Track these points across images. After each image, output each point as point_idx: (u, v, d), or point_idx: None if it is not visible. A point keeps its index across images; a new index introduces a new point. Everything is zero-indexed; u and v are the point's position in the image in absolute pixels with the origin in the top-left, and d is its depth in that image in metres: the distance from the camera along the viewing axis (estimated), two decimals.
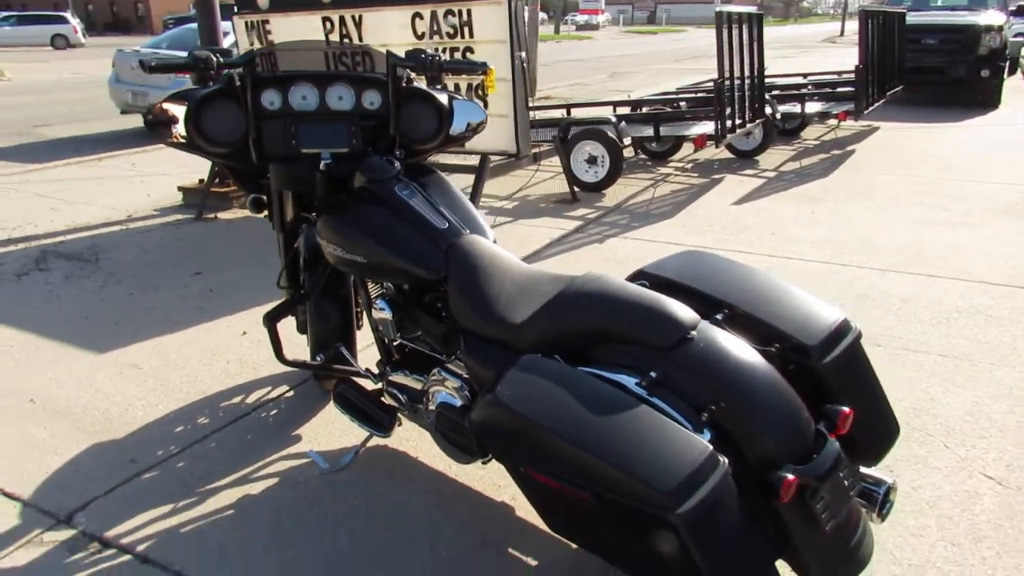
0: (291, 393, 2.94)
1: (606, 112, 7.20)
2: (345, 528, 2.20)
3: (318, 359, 2.56)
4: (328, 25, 5.34)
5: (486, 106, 4.62)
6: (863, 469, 1.86)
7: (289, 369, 2.75)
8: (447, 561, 2.07)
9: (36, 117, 11.12)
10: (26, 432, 2.73)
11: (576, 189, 5.92)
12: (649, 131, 6.47)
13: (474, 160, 4.99)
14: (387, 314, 2.31)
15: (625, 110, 7.51)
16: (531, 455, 1.62)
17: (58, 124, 10.57)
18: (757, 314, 1.81)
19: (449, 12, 4.83)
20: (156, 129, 9.19)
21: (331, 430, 2.68)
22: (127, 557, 2.10)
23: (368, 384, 2.50)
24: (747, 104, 6.40)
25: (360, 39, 5.24)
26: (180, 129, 2.20)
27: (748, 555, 1.50)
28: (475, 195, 4.85)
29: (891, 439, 1.85)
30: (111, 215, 5.69)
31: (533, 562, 2.06)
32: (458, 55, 4.91)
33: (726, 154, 7.34)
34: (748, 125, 6.41)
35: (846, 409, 1.67)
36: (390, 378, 2.40)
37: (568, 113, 6.90)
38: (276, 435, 2.67)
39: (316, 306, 2.68)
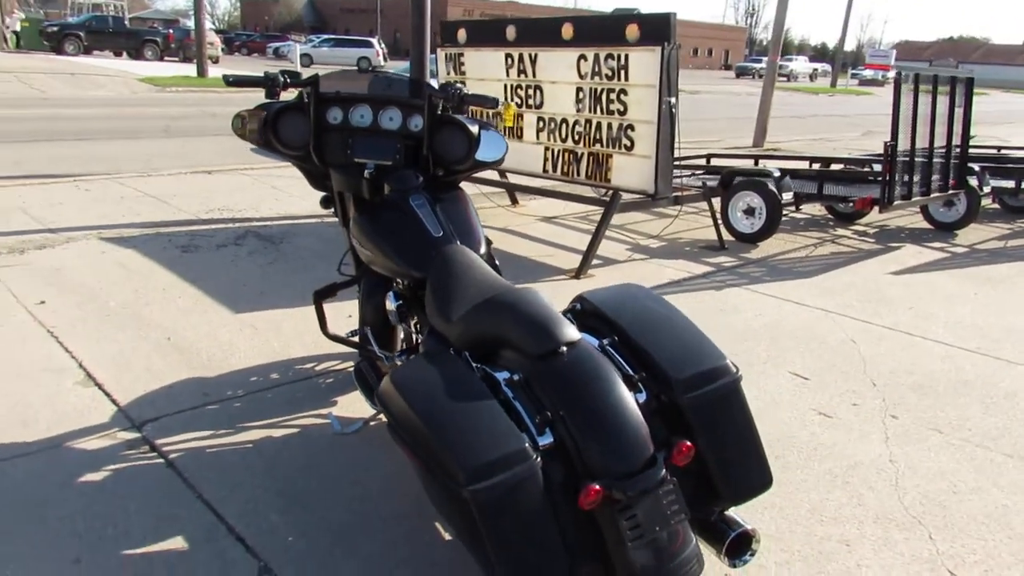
0: (350, 368, 3.41)
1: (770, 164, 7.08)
2: (335, 475, 2.60)
3: (345, 335, 3.00)
4: (509, 60, 5.88)
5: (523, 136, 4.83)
6: (730, 511, 1.92)
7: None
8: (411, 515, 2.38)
9: None
10: (151, 359, 3.45)
11: (727, 238, 5.91)
12: (813, 188, 6.27)
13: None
14: (392, 305, 2.68)
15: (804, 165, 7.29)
16: (396, 423, 1.90)
17: None
18: (642, 344, 1.94)
19: (609, 56, 5.15)
20: None
21: (361, 403, 3.10)
22: (161, 461, 2.66)
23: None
24: (939, 172, 5.98)
25: (534, 75, 5.71)
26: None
27: (537, 547, 1.66)
28: (600, 228, 5.09)
29: (754, 487, 1.89)
30: (317, 209, 6.63)
31: None
32: (613, 95, 5.20)
33: (923, 223, 6.86)
34: (935, 195, 5.98)
35: (686, 443, 1.77)
36: (396, 362, 2.77)
37: (708, 162, 6.89)
38: (319, 398, 3.15)
39: (363, 291, 3.12)
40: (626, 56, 5.09)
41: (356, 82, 2.79)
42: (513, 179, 6.52)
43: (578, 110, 5.50)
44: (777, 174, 5.94)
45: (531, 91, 5.83)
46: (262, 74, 2.68)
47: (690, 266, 5.32)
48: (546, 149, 5.82)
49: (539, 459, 1.70)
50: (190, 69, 21.52)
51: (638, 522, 1.71)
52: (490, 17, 6.37)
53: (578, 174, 5.61)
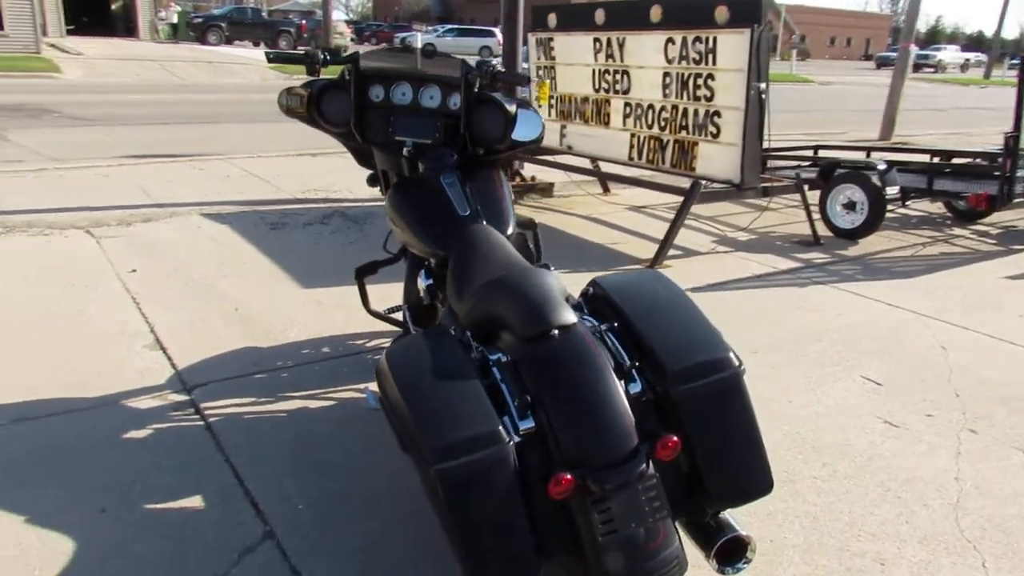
0: None
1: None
2: (359, 449, 2.63)
3: (384, 311, 3.01)
4: (597, 45, 5.77)
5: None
6: (727, 515, 1.79)
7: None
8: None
9: None
10: (216, 328, 3.60)
11: (825, 234, 5.58)
12: (923, 183, 5.81)
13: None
14: (423, 283, 2.67)
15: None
16: (385, 398, 1.88)
17: None
18: (643, 332, 1.84)
19: (697, 39, 4.96)
20: None
21: None
22: (200, 424, 2.77)
23: None
24: None
25: (621, 59, 5.58)
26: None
27: (502, 533, 1.60)
28: (678, 218, 4.91)
29: (749, 490, 1.76)
30: None
31: None
32: (700, 80, 5.01)
33: None
34: None
35: (672, 437, 1.67)
36: None
37: (816, 153, 6.47)
38: (362, 373, 3.19)
39: (406, 270, 3.13)
40: (714, 39, 4.88)
41: (397, 60, 2.78)
42: (605, 167, 6.41)
43: (664, 95, 5.32)
44: (882, 166, 5.54)
45: (618, 76, 5.69)
46: (303, 51, 2.71)
47: (777, 261, 5.05)
48: (632, 136, 5.67)
49: (512, 443, 1.64)
50: None
51: (611, 516, 1.62)
52: (582, 0, 6.24)
53: (663, 162, 5.44)
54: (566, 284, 1.99)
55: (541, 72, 6.48)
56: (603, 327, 1.89)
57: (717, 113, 4.98)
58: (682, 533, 1.80)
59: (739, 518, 1.81)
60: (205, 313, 3.78)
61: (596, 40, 5.77)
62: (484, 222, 2.48)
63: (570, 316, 1.84)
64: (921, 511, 2.41)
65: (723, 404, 1.74)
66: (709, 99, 5.02)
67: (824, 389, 3.21)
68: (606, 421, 1.68)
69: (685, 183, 5.14)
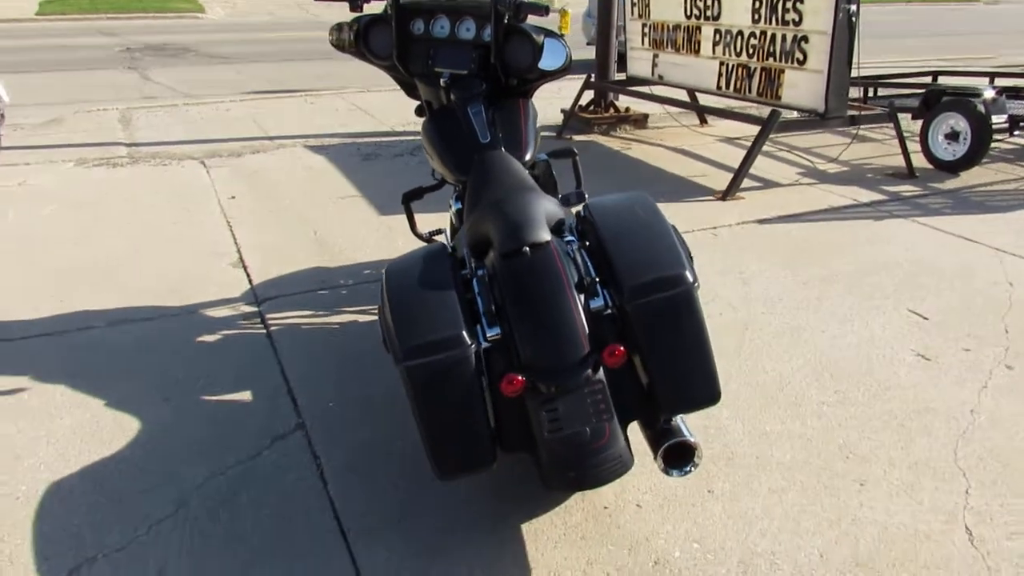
0: None
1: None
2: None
3: (427, 234, 3.22)
4: (688, 1, 5.63)
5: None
6: (679, 422, 1.92)
7: None
8: None
9: None
10: (295, 249, 3.96)
11: (925, 166, 5.31)
12: None
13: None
14: (454, 208, 2.86)
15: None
16: (380, 302, 2.09)
17: None
18: (610, 250, 1.96)
19: None
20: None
21: None
22: (263, 332, 3.12)
23: None
24: None
25: None
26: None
27: (461, 427, 1.81)
28: (753, 149, 4.83)
29: (694, 399, 1.87)
30: None
31: None
32: (789, 4, 4.86)
33: None
34: None
35: (619, 347, 1.80)
36: None
37: (934, 80, 6.02)
38: None
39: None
40: None
41: None
42: (699, 98, 6.30)
43: (753, 21, 5.18)
44: (990, 93, 5.17)
45: (709, 2, 5.55)
46: None
47: (860, 193, 4.88)
48: (721, 64, 5.56)
49: (475, 346, 1.82)
50: None
51: (558, 415, 1.79)
52: None
53: (750, 91, 5.32)
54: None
55: (636, 0, 6.40)
56: (574, 245, 2.02)
57: (804, 38, 4.81)
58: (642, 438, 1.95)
59: (693, 426, 1.93)
60: (287, 236, 4.15)
61: None
62: (502, 148, 2.63)
63: (543, 235, 1.99)
64: (921, 439, 2.42)
65: (673, 318, 1.84)
66: (797, 23, 4.85)
67: (863, 321, 3.19)
68: (557, 330, 1.83)
69: (768, 112, 5.02)
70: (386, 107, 7.55)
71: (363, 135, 6.47)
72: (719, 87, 5.61)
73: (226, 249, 3.97)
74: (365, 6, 2.93)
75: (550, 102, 7.14)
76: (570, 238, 2.10)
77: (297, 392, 2.69)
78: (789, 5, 4.86)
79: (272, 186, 5.04)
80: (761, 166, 5.41)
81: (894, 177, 5.25)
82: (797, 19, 4.83)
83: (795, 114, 5.12)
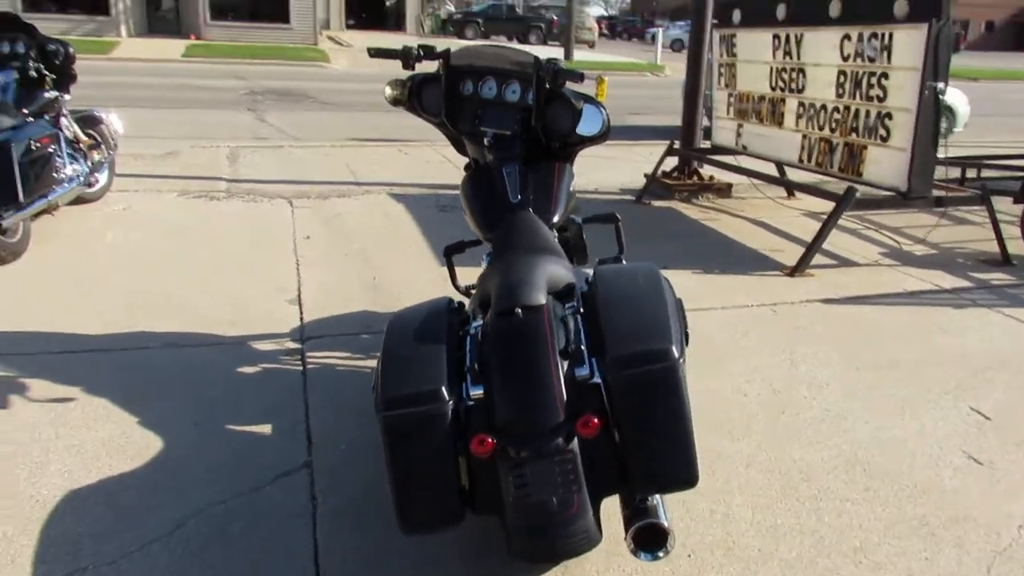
0: None
1: None
2: None
3: (464, 288, 3.25)
4: (776, 42, 5.61)
5: None
6: (657, 503, 1.85)
7: None
8: None
9: (636, 107, 13.27)
10: (351, 292, 4.08)
11: (1018, 253, 4.99)
12: None
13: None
14: (484, 264, 2.89)
15: None
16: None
17: (650, 114, 12.46)
18: (603, 319, 1.94)
19: (873, 35, 4.71)
20: None
21: None
22: (299, 369, 3.22)
23: None
24: None
25: (798, 56, 5.40)
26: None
27: (431, 483, 1.81)
28: (826, 225, 4.68)
29: (670, 480, 1.81)
30: (588, 186, 6.97)
31: None
32: (874, 80, 4.75)
33: None
34: None
35: (593, 418, 1.77)
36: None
37: None
38: None
39: None
40: (890, 35, 4.57)
41: (485, 56, 2.99)
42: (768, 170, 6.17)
43: (838, 95, 5.06)
44: None
45: (794, 74, 5.48)
46: (400, 47, 3.03)
47: (943, 278, 4.62)
48: (803, 137, 5.45)
49: (452, 403, 1.83)
50: (559, 52, 23.06)
51: (525, 481, 1.76)
52: None
53: (831, 165, 5.17)
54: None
55: (723, 69, 6.38)
56: (569, 311, 2.01)
57: (888, 115, 4.67)
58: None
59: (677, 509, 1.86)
60: (348, 278, 4.29)
61: (775, 37, 5.60)
62: (530, 209, 2.65)
63: (538, 298, 1.99)
64: (950, 551, 2.23)
65: (652, 393, 1.79)
66: (881, 100, 4.72)
67: (915, 414, 3.00)
68: (532, 394, 1.82)
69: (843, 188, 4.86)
70: None
71: (445, 187, 6.64)
72: (801, 160, 5.49)
73: (289, 285, 4.14)
74: (418, 65, 3.05)
75: (638, 166, 7.17)
76: (571, 304, 2.09)
77: (314, 431, 2.75)
78: (874, 81, 4.73)
79: (348, 229, 5.24)
80: (841, 243, 5.22)
81: (986, 264, 4.95)
82: (881, 95, 4.69)
83: (881, 192, 4.93)
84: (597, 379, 1.86)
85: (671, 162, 6.80)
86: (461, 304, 2.31)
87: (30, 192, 4.11)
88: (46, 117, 4.68)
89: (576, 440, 1.78)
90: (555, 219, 2.68)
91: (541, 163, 2.83)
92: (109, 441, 2.62)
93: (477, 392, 1.88)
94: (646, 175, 6.85)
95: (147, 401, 2.89)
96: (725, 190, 6.78)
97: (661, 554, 1.82)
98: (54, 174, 4.41)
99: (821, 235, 4.68)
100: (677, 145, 6.68)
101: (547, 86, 2.83)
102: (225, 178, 6.64)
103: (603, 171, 7.60)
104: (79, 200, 5.25)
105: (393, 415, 1.82)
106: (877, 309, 4.10)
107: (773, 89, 5.75)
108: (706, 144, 6.85)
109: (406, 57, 2.98)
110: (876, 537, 2.28)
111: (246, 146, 8.18)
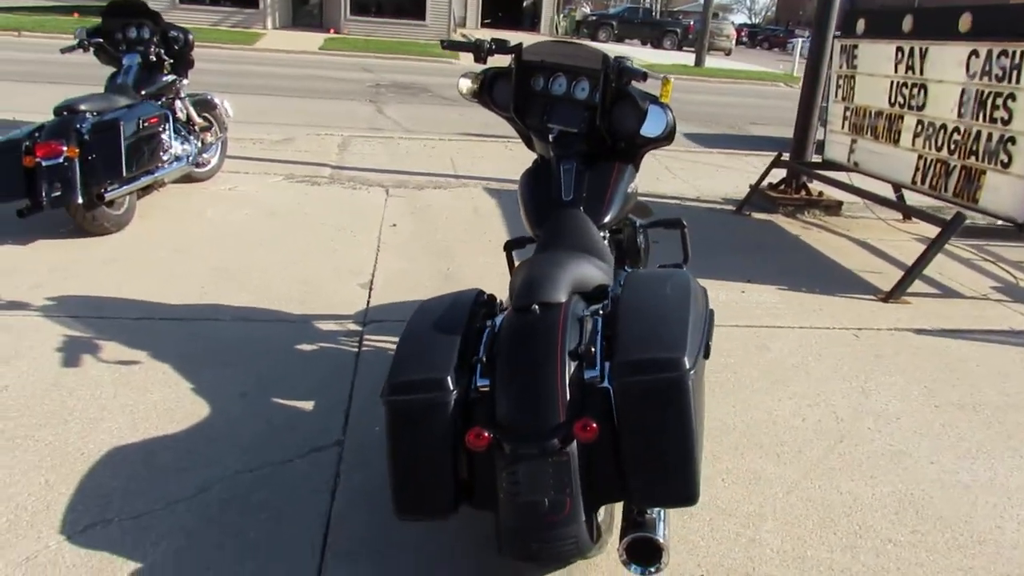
0: None
1: None
2: None
3: None
4: (899, 55, 5.31)
5: None
6: (655, 516, 1.78)
7: None
8: None
9: (761, 117, 12.83)
10: (421, 280, 4.14)
11: None
12: None
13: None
14: None
15: None
16: None
17: (774, 125, 12.02)
18: (620, 323, 1.88)
19: (1003, 53, 4.37)
20: None
21: None
22: (354, 351, 3.30)
23: None
24: None
25: (921, 71, 5.09)
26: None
27: (427, 471, 1.81)
28: (928, 252, 4.36)
29: (667, 496, 1.72)
30: (690, 193, 6.81)
31: None
32: (1000, 100, 4.40)
33: None
34: None
35: (592, 422, 1.71)
36: None
37: None
38: None
39: None
40: (1021, 53, 4.21)
41: (556, 52, 2.96)
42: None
43: (959, 115, 4.70)
44: None
45: (915, 90, 5.13)
46: (472, 40, 3.04)
47: None
48: (919, 157, 5.10)
49: (457, 394, 1.81)
50: (691, 58, 22.63)
51: (517, 480, 1.73)
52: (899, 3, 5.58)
53: (946, 189, 4.81)
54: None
55: (841, 81, 6.06)
56: (587, 313, 1.96)
57: (1011, 139, 4.30)
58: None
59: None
60: (422, 266, 4.35)
61: (899, 49, 5.26)
62: (581, 208, 2.60)
63: (555, 296, 1.95)
64: None
65: (657, 403, 1.71)
66: (1005, 122, 4.35)
67: (988, 461, 2.75)
68: (533, 392, 1.78)
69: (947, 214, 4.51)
70: None
71: None
72: (914, 181, 5.14)
73: (364, 270, 4.24)
74: (490, 59, 3.05)
75: (748, 177, 6.91)
76: (596, 306, 2.04)
77: (353, 411, 2.80)
78: (999, 102, 4.37)
79: (435, 220, 5.32)
80: (950, 272, 4.87)
81: None
82: (1006, 117, 4.32)
83: (997, 221, 4.55)
84: (606, 384, 1.80)
85: (780, 175, 6.53)
86: (493, 297, 2.29)
87: (135, 168, 4.39)
88: (163, 99, 4.99)
89: (575, 443, 1.73)
90: (606, 219, 2.62)
91: (601, 163, 2.77)
92: (160, 404, 2.76)
93: (484, 385, 1.86)
94: (751, 186, 6.61)
95: (204, 369, 3.03)
96: (834, 207, 6.45)
97: (654, 570, 1.74)
98: (161, 153, 4.69)
99: (922, 260, 4.37)
100: (785, 157, 6.40)
101: (612, 84, 2.77)
102: (331, 165, 6.88)
103: (710, 179, 7.40)
104: (189, 179, 5.58)
105: (395, 400, 1.83)
106: (972, 345, 3.78)
107: (891, 104, 5.41)
108: (818, 159, 6.53)
109: (478, 50, 3.00)
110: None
111: (359, 135, 8.45)
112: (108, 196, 4.22)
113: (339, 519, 2.22)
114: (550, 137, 2.90)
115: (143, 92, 4.85)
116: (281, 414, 2.77)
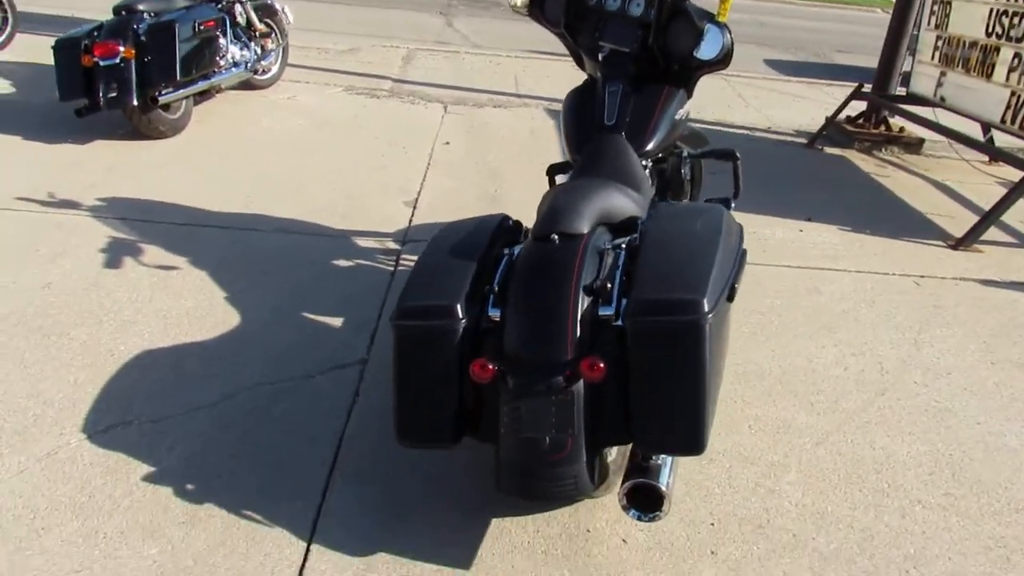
0: None
1: None
2: None
3: None
4: (992, 15, 4.84)
5: None
6: (662, 462, 1.71)
7: None
8: None
9: (849, 45, 12.07)
10: (467, 200, 4.06)
11: None
12: None
13: None
14: None
15: None
16: None
17: (862, 54, 11.31)
18: (643, 258, 1.78)
19: None
20: None
21: None
22: (390, 269, 3.27)
23: None
24: None
25: None
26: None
27: (430, 397, 1.77)
28: (1008, 197, 4.05)
29: (671, 444, 1.66)
30: (761, 123, 6.49)
31: None
32: None
33: None
34: None
35: (599, 361, 1.64)
36: None
37: None
38: None
39: None
40: None
41: None
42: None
43: None
44: None
45: (1016, 19, 4.69)
46: None
47: None
48: (1012, 94, 4.69)
49: (466, 322, 1.76)
50: None
51: (519, 415, 1.69)
52: None
53: None
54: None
55: (936, 7, 5.60)
56: (609, 246, 1.86)
57: None
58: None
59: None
60: (469, 186, 4.27)
61: (992, 9, 4.81)
62: (623, 133, 2.47)
63: (579, 226, 1.86)
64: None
65: (669, 346, 1.63)
66: None
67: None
68: (542, 329, 1.71)
69: None
70: None
71: None
72: (1003, 120, 4.74)
73: (411, 188, 4.19)
74: None
75: (827, 109, 6.51)
76: (623, 239, 1.93)
77: (381, 330, 2.79)
78: None
79: (490, 139, 5.20)
80: None
81: None
82: None
83: None
84: (621, 322, 1.71)
85: (860, 108, 6.14)
86: (519, 224, 2.21)
87: (191, 72, 4.38)
88: (223, 2, 4.92)
89: (581, 382, 1.67)
90: (648, 147, 2.48)
91: (649, 86, 2.61)
92: (193, 310, 2.80)
93: (495, 315, 1.80)
94: (826, 118, 6.25)
95: (241, 278, 3.05)
96: (915, 145, 6.05)
97: (654, 516, 1.69)
98: (217, 57, 4.66)
99: (1001, 205, 4.07)
100: (866, 89, 6.00)
101: (668, 0, 2.58)
102: (392, 78, 6.77)
103: (784, 109, 7.03)
104: (249, 86, 5.57)
105: (403, 325, 1.79)
106: None
107: (988, 35, 4.96)
108: (903, 92, 6.11)
109: None
110: (937, 549, 2.01)
111: (424, 49, 8.29)
112: (162, 100, 4.23)
113: (351, 439, 2.23)
114: (600, 56, 2.74)
115: None
116: (309, 328, 2.78)
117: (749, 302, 3.19)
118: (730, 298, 1.75)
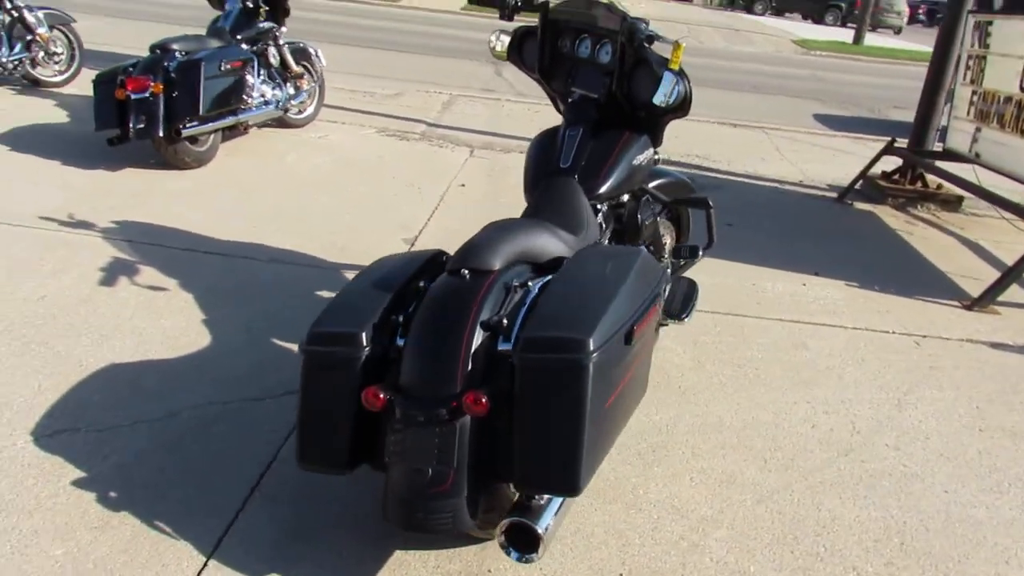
0: None
1: None
2: None
3: None
4: None
5: None
6: (543, 503, 1.68)
7: None
8: None
9: (908, 101, 11.80)
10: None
11: None
12: None
13: None
14: None
15: None
16: None
17: (911, 109, 11.05)
18: (545, 297, 1.78)
19: None
20: None
21: None
22: None
23: None
24: None
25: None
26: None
27: (329, 422, 1.79)
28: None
29: (545, 482, 1.64)
30: (793, 176, 6.40)
31: None
32: None
33: None
34: None
35: (482, 396, 1.63)
36: None
37: None
38: None
39: None
40: None
41: (581, 12, 2.80)
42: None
43: None
44: None
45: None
46: None
47: None
48: None
49: (368, 351, 1.78)
50: (849, 35, 21.16)
51: (401, 445, 1.69)
52: None
53: None
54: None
55: (971, 62, 5.47)
56: (517, 283, 1.86)
57: None
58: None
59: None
60: (472, 228, 4.25)
61: None
62: (575, 177, 2.48)
63: (489, 263, 1.87)
64: None
65: (551, 384, 1.62)
66: None
67: (1018, 499, 2.43)
68: (431, 358, 1.72)
69: None
70: (686, 137, 7.37)
71: None
72: None
73: (415, 226, 4.26)
74: (516, 17, 2.94)
75: (865, 163, 6.39)
76: (540, 279, 1.94)
77: None
78: None
79: (507, 183, 5.25)
80: None
81: None
82: None
83: None
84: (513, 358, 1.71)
85: (897, 163, 6.00)
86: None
87: (214, 108, 4.58)
88: (258, 44, 5.16)
89: (468, 416, 1.66)
90: (601, 190, 2.49)
91: (608, 131, 2.62)
92: (169, 331, 2.90)
93: (401, 344, 1.82)
94: (859, 173, 6.13)
95: (224, 303, 3.15)
96: (953, 203, 5.87)
97: (531, 557, 1.66)
98: (244, 95, 4.86)
99: (1018, 267, 3.90)
100: (899, 144, 5.87)
101: (630, 48, 2.60)
102: (427, 122, 6.93)
103: (822, 163, 6.92)
104: (284, 124, 5.79)
105: (311, 350, 1.82)
106: None
107: (1022, 90, 4.82)
108: (939, 147, 5.95)
109: (503, 7, 2.90)
110: None
111: (466, 95, 8.47)
112: (185, 132, 4.44)
113: (282, 462, 2.25)
114: (570, 100, 2.77)
115: (238, 36, 5.04)
116: (275, 353, 2.84)
117: (726, 353, 3.13)
118: (627, 341, 1.72)
